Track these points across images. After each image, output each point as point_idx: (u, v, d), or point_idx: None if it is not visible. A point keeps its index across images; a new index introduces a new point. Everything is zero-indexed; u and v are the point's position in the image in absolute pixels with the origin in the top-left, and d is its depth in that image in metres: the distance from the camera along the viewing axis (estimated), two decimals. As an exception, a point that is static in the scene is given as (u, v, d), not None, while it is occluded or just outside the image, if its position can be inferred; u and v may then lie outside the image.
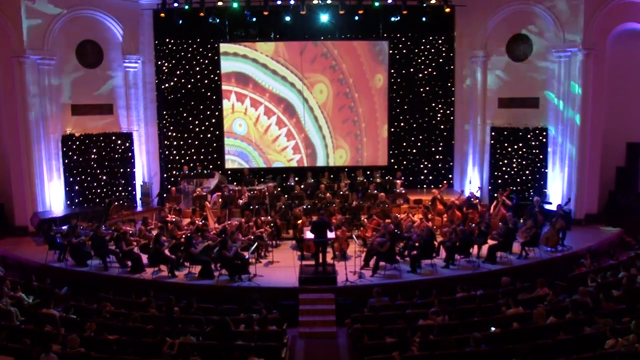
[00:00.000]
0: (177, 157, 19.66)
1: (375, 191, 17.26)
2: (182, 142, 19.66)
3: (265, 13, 16.45)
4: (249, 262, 12.86)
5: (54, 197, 16.90)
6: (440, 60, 19.58)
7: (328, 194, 16.83)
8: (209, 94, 19.54)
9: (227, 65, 19.15)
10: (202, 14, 16.43)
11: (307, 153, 19.60)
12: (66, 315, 10.11)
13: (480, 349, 8.29)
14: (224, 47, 19.05)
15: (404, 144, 20.03)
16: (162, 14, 16.88)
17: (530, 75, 17.67)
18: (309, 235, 13.18)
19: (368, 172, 19.27)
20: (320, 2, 16.67)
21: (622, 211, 16.21)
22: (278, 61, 19.13)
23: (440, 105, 19.81)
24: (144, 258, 13.40)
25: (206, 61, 19.41)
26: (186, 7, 16.29)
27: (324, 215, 13.32)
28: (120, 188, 18.32)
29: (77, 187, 17.42)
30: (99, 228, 13.98)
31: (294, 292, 12.19)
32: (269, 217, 15.70)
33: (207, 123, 19.68)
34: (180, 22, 17.21)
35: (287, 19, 17.32)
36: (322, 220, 12.87)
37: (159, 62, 18.98)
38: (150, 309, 10.58)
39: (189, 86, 19.43)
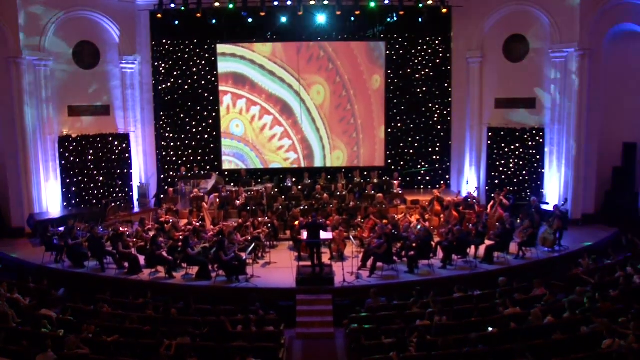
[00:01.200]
0: (174, 158, 19.64)
1: (373, 192, 17.28)
2: (179, 143, 19.63)
3: (262, 14, 16.44)
4: (247, 263, 12.84)
5: (50, 199, 16.85)
6: (437, 61, 19.60)
7: (325, 195, 16.83)
8: (206, 94, 19.52)
9: (224, 66, 19.15)
10: (199, 15, 16.41)
11: (304, 154, 19.61)
12: (63, 317, 10.10)
13: (477, 349, 8.30)
14: (221, 48, 19.06)
15: (401, 144, 20.05)
16: (159, 15, 16.83)
17: (527, 76, 17.69)
18: (305, 236, 13.19)
19: (365, 173, 19.29)
20: (317, 2, 16.68)
21: (618, 211, 16.23)
22: (275, 62, 19.16)
23: (437, 106, 19.84)
24: (141, 259, 13.39)
25: (203, 62, 19.39)
26: (182, 8, 16.28)
27: (316, 216, 13.32)
28: (117, 189, 18.29)
29: (73, 188, 17.37)
30: (96, 229, 13.96)
31: (291, 292, 12.20)
32: (267, 218, 15.70)
33: (204, 124, 19.66)
34: (177, 23, 17.19)
35: (284, 19, 17.32)
36: (314, 222, 12.87)
37: (156, 63, 18.95)
38: (148, 310, 10.58)
39: (186, 87, 19.41)
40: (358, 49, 19.21)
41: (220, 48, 19.05)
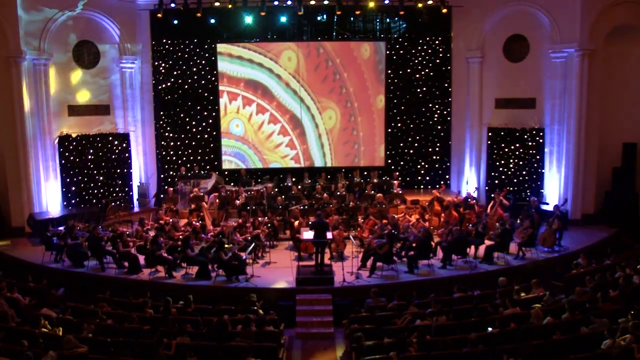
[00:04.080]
0: (174, 158, 19.63)
1: (373, 192, 17.28)
2: (179, 143, 19.63)
3: (263, 14, 16.44)
4: (246, 263, 12.84)
5: (50, 198, 16.85)
6: (437, 61, 19.59)
7: (325, 195, 16.83)
8: (206, 94, 19.51)
9: (223, 65, 19.14)
10: (199, 15, 16.42)
11: (303, 155, 19.60)
12: (63, 316, 10.10)
13: (477, 349, 8.30)
14: (221, 47, 19.05)
15: (401, 144, 20.05)
16: (159, 15, 16.83)
17: (527, 76, 17.69)
18: (305, 235, 13.19)
19: (365, 173, 19.29)
20: (317, 2, 16.68)
21: (618, 211, 16.24)
22: (276, 62, 19.12)
23: (437, 106, 19.83)
24: (141, 259, 13.39)
25: (203, 62, 19.39)
26: (182, 8, 16.27)
27: (321, 215, 13.34)
28: (117, 189, 18.28)
29: (73, 188, 17.36)
30: (96, 229, 13.95)
31: (291, 292, 12.19)
32: (266, 218, 15.70)
33: (204, 123, 19.66)
34: (177, 22, 17.19)
35: (284, 19, 17.32)
36: (320, 221, 12.88)
37: (156, 63, 18.94)
38: (147, 310, 10.58)
39: (186, 87, 19.40)
40: (357, 48, 19.19)
41: (220, 48, 19.04)
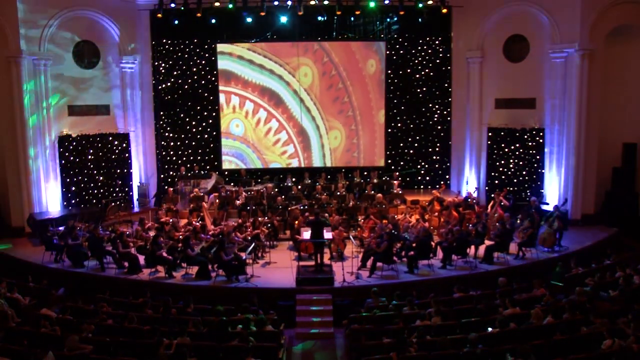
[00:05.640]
0: (174, 158, 19.63)
1: (373, 192, 17.28)
2: (179, 143, 19.63)
3: (262, 14, 16.44)
4: (246, 263, 12.84)
5: (50, 198, 16.84)
6: (437, 61, 19.60)
7: (325, 195, 16.83)
8: (206, 94, 19.52)
9: (224, 65, 19.14)
10: (199, 15, 16.42)
11: (302, 147, 19.60)
12: (63, 316, 10.09)
13: (477, 349, 8.30)
14: (221, 47, 19.05)
15: (401, 144, 20.05)
16: (159, 15, 16.83)
17: (527, 76, 17.70)
18: (305, 235, 13.18)
19: (365, 173, 19.29)
20: (317, 2, 16.68)
21: (618, 211, 16.24)
22: (278, 63, 19.10)
23: (437, 106, 19.84)
24: (141, 259, 13.39)
25: (203, 62, 19.39)
26: (182, 7, 16.28)
27: (319, 214, 13.32)
28: (117, 189, 18.28)
29: (73, 188, 17.36)
30: (96, 229, 13.95)
31: (291, 292, 12.19)
32: (266, 218, 15.70)
33: (204, 123, 19.66)
34: (177, 22, 17.19)
35: (284, 19, 17.32)
36: (317, 219, 12.87)
37: (156, 63, 18.95)
38: (147, 310, 10.57)
39: (186, 87, 19.41)
40: (356, 44, 19.15)
41: (220, 47, 19.04)
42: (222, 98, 19.29)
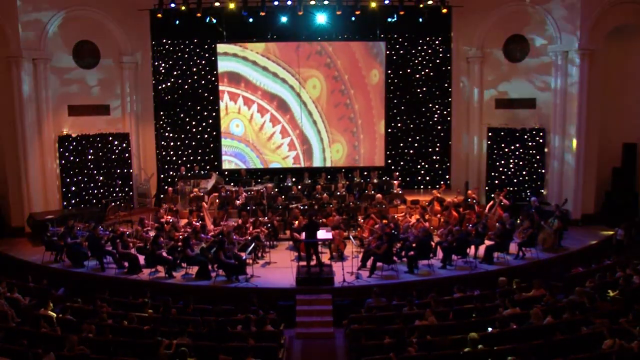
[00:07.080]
0: (174, 158, 19.63)
1: (373, 192, 17.28)
2: (179, 143, 19.63)
3: (262, 14, 16.44)
4: (246, 263, 12.84)
5: (50, 198, 16.84)
6: (437, 61, 19.60)
7: (325, 195, 16.83)
8: (206, 94, 19.52)
9: (224, 65, 19.14)
10: (199, 15, 16.41)
11: (303, 150, 19.60)
12: (63, 316, 10.09)
13: (477, 349, 8.30)
14: (221, 47, 19.05)
15: (401, 144, 20.05)
16: (159, 15, 16.80)
17: (527, 76, 17.72)
18: (304, 236, 13.16)
19: (365, 173, 19.28)
20: (317, 2, 16.68)
21: (618, 211, 16.23)
22: (279, 64, 19.09)
23: (437, 106, 19.83)
24: (141, 259, 13.38)
25: (203, 62, 19.39)
26: (183, 7, 16.27)
27: (312, 216, 13.31)
28: (117, 189, 18.28)
29: (73, 188, 17.36)
30: (96, 229, 13.95)
31: (291, 292, 12.19)
32: (266, 218, 15.69)
33: (204, 123, 19.66)
34: (177, 22, 17.18)
35: (284, 19, 17.32)
36: (310, 221, 12.86)
37: (156, 63, 18.95)
38: (147, 310, 10.57)
39: (186, 87, 19.40)
40: (357, 47, 19.17)
41: (221, 48, 19.03)
42: (226, 97, 19.26)
